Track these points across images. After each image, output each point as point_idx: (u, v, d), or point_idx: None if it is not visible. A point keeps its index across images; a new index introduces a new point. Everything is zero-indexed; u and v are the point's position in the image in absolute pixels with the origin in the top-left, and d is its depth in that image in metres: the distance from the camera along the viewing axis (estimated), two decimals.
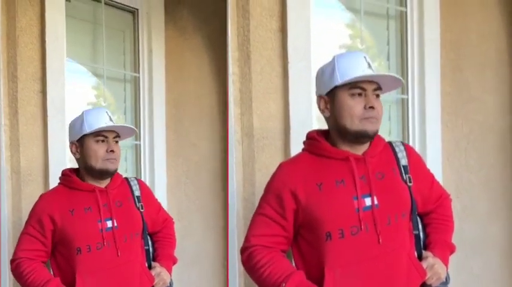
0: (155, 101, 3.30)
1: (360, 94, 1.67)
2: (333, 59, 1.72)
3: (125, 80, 3.33)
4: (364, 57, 1.70)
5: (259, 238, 1.76)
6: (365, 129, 1.66)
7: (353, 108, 1.67)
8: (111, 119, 2.07)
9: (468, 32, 2.81)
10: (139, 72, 3.31)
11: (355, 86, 1.67)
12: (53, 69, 2.75)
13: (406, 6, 2.80)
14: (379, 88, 1.70)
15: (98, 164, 2.04)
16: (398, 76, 1.73)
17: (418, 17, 2.76)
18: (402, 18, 2.82)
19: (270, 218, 1.75)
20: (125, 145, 3.27)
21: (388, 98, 2.83)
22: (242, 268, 2.36)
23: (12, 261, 2.10)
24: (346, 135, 1.71)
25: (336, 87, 1.70)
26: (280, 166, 1.81)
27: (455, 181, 2.77)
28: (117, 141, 2.10)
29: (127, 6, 3.29)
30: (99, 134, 2.04)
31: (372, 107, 1.66)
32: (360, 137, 1.69)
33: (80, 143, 2.08)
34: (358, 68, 1.66)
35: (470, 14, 2.81)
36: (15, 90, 2.69)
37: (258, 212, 1.79)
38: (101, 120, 2.05)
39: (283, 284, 1.65)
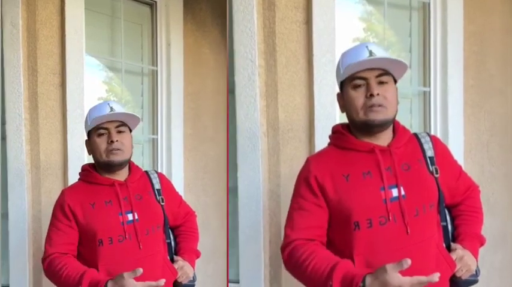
0: (173, 95, 3.28)
1: (363, 85, 1.67)
2: (340, 55, 1.76)
3: (143, 73, 3.32)
4: (367, 46, 1.69)
5: (300, 231, 1.73)
6: (369, 119, 1.67)
7: (355, 100, 1.69)
8: (112, 110, 2.03)
9: (492, 25, 2.80)
10: (157, 66, 3.30)
11: (356, 77, 1.68)
12: (72, 62, 2.75)
13: None
14: (385, 74, 1.68)
15: (102, 157, 2.03)
16: (396, 58, 1.69)
17: (441, 8, 2.73)
18: (425, 9, 2.80)
19: (305, 210, 1.74)
20: (142, 139, 3.27)
21: (409, 91, 2.82)
22: (267, 259, 2.39)
23: (43, 260, 2.05)
24: (358, 129, 1.72)
25: (343, 83, 1.73)
26: (308, 161, 1.81)
27: (477, 175, 2.75)
28: (123, 131, 2.05)
29: None
30: (99, 127, 2.03)
31: (372, 95, 1.65)
32: (367, 127, 1.69)
33: (89, 140, 2.08)
34: (357, 59, 1.67)
35: (494, 7, 2.80)
36: (35, 84, 2.70)
37: (293, 207, 1.78)
38: (101, 113, 2.02)
39: (330, 283, 1.57)
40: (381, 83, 1.67)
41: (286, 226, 1.78)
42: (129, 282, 1.80)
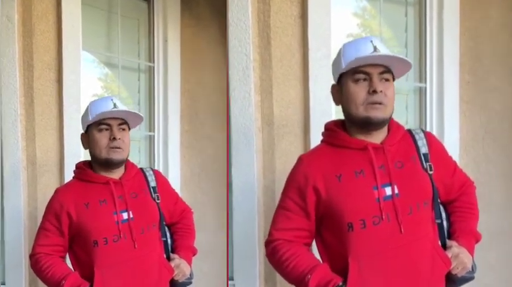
0: (170, 91, 3.28)
1: (365, 79, 1.64)
2: (341, 47, 1.71)
3: (139, 69, 3.32)
4: (371, 41, 1.65)
5: (282, 232, 1.76)
6: (369, 116, 1.64)
7: (356, 94, 1.65)
8: (115, 106, 2.00)
9: (488, 21, 2.79)
10: (154, 62, 3.30)
11: (358, 70, 1.64)
12: (69, 58, 2.74)
13: None
14: (387, 72, 1.66)
15: (102, 153, 2.00)
16: (402, 56, 1.66)
17: (438, 4, 2.73)
18: (421, 5, 2.80)
19: (291, 212, 1.74)
20: (138, 136, 3.26)
21: (405, 87, 2.81)
22: (262, 256, 2.38)
23: (31, 256, 2.09)
24: (355, 124, 1.69)
25: (343, 75, 1.69)
26: (300, 159, 1.79)
27: (473, 171, 2.74)
28: (124, 129, 2.04)
29: None
30: (102, 123, 2.00)
31: (375, 91, 1.62)
32: (366, 124, 1.66)
33: (87, 134, 2.06)
34: (361, 52, 1.63)
35: (490, 2, 2.79)
36: (31, 80, 2.69)
37: (280, 206, 1.79)
38: (105, 108, 2.00)
39: (308, 276, 1.64)
40: (383, 79, 1.65)
41: (271, 223, 1.81)
42: None
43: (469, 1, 2.76)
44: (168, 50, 3.27)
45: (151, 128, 3.32)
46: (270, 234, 1.80)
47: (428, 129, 2.80)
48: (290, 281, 1.75)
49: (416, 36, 2.83)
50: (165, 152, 3.31)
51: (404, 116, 2.82)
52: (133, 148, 3.04)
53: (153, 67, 3.30)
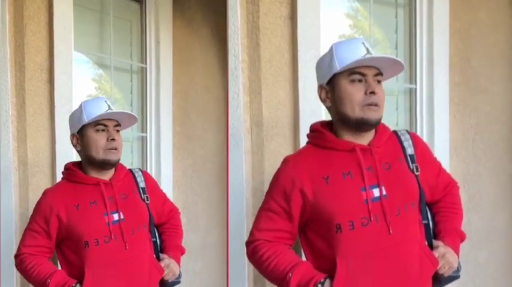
0: (162, 92, 3.29)
1: (360, 80, 1.64)
2: (331, 47, 1.70)
3: (132, 70, 3.32)
4: (363, 42, 1.66)
5: (263, 232, 1.76)
6: (367, 117, 1.64)
7: (353, 95, 1.64)
8: (110, 108, 2.02)
9: (477, 22, 2.81)
10: (146, 63, 3.30)
11: (355, 71, 1.64)
12: (61, 58, 2.74)
13: None
14: (379, 74, 1.66)
15: (99, 154, 2.01)
16: (399, 59, 1.68)
17: (427, 5, 2.75)
18: (411, 6, 2.81)
19: (274, 213, 1.74)
20: (131, 137, 3.27)
21: (395, 88, 2.83)
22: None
23: (15, 256, 2.10)
24: (348, 124, 1.68)
25: (336, 75, 1.68)
26: (286, 161, 1.79)
27: (463, 172, 2.77)
28: (118, 131, 2.06)
29: None
30: (99, 123, 2.01)
31: (373, 93, 1.62)
32: (361, 125, 1.66)
33: (80, 135, 2.05)
34: (356, 53, 1.63)
35: (480, 4, 2.81)
36: (23, 80, 2.68)
37: (263, 207, 1.79)
38: (101, 109, 2.01)
39: (290, 275, 1.65)
40: (376, 81, 1.65)
41: (253, 223, 1.81)
42: None
43: (459, 3, 2.78)
44: (160, 52, 3.28)
45: (143, 129, 3.32)
46: (251, 234, 1.80)
47: (418, 130, 2.82)
48: (272, 280, 1.75)
49: (406, 38, 2.85)
50: (158, 153, 3.32)
51: (394, 117, 2.84)
52: (126, 149, 3.04)
53: (146, 68, 3.31)
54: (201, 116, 3.20)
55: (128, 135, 3.20)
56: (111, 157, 2.02)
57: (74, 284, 1.96)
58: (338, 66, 1.66)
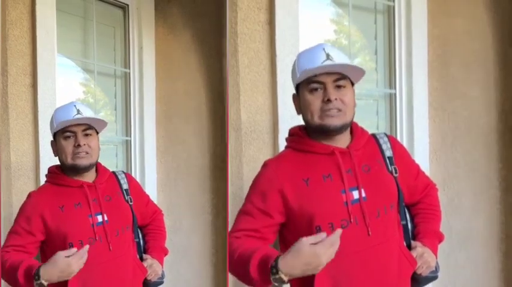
0: (145, 97, 3.29)
1: (320, 88, 1.67)
2: (297, 56, 1.74)
3: (116, 75, 3.33)
4: (324, 48, 1.68)
5: (236, 233, 1.75)
6: (325, 123, 1.67)
7: (311, 104, 1.68)
8: (79, 112, 2.02)
9: (455, 29, 2.85)
10: (129, 68, 3.31)
11: (313, 80, 1.67)
12: (44, 63, 2.73)
13: (393, 1, 2.83)
14: (343, 78, 1.68)
15: (67, 160, 2.03)
16: (353, 64, 1.70)
17: (406, 12, 2.78)
18: (390, 13, 2.85)
19: (251, 216, 1.74)
20: (115, 140, 3.28)
21: (375, 93, 2.85)
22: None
23: None
24: (313, 131, 1.72)
25: (299, 85, 1.72)
26: (266, 165, 1.81)
27: (442, 175, 2.80)
28: (90, 135, 2.05)
29: (117, 1, 3.28)
30: (66, 130, 2.02)
31: (329, 100, 1.65)
32: (322, 131, 1.69)
33: (55, 141, 2.08)
34: (315, 61, 1.66)
35: (457, 11, 2.85)
36: (6, 85, 2.68)
37: (241, 210, 1.79)
38: (68, 115, 2.01)
39: (250, 261, 1.59)
40: (338, 87, 1.68)
41: (232, 227, 1.80)
42: (59, 255, 1.84)
43: (437, 10, 2.81)
44: (143, 57, 3.29)
45: (128, 132, 3.33)
46: (228, 237, 1.79)
47: (398, 135, 2.85)
48: (239, 275, 1.70)
49: (386, 44, 2.88)
50: (142, 156, 3.32)
51: (375, 121, 2.86)
52: (110, 152, 3.06)
53: (129, 73, 3.32)
54: (183, 121, 3.21)
55: (112, 138, 3.21)
56: (79, 161, 2.03)
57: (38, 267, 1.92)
58: (298, 76, 1.70)
